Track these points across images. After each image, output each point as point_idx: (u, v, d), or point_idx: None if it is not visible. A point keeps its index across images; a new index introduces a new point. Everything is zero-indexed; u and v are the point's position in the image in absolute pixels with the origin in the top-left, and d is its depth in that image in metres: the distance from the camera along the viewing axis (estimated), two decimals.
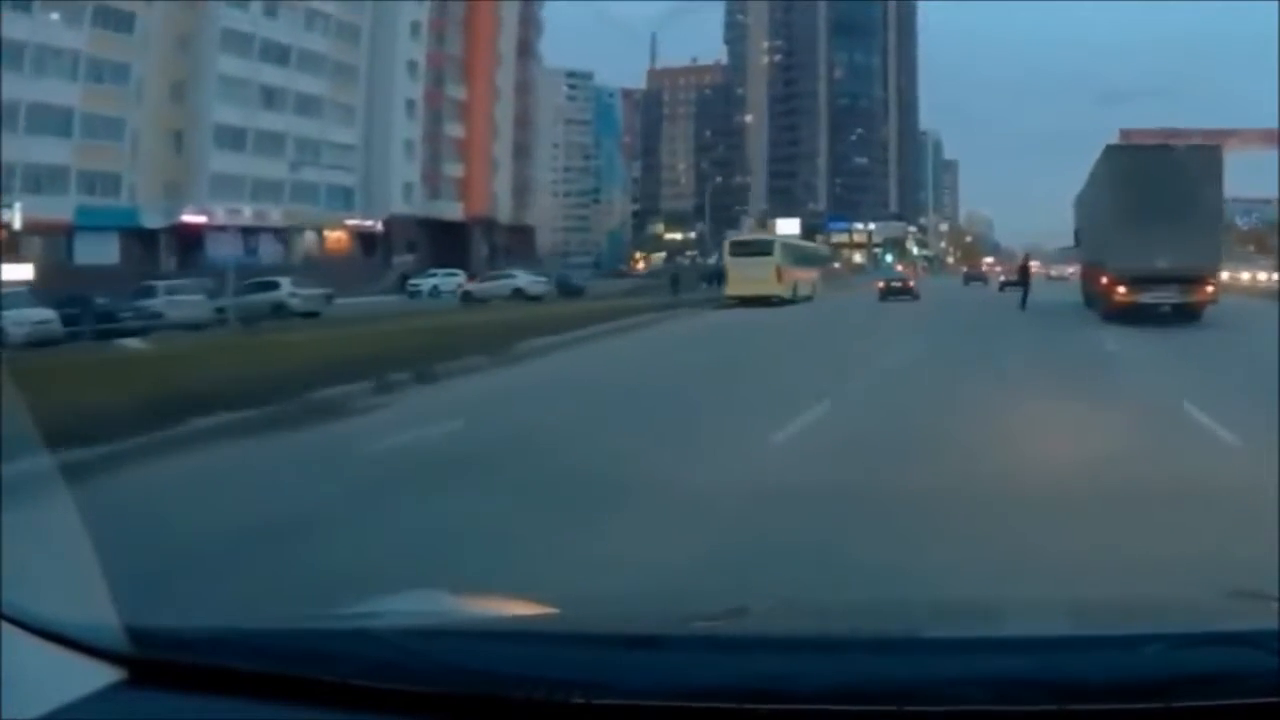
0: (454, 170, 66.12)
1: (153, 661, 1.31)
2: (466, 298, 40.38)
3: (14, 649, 1.26)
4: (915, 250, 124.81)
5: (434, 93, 63.60)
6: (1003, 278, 53.34)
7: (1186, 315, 21.21)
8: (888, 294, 38.58)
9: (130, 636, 1.33)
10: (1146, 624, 1.49)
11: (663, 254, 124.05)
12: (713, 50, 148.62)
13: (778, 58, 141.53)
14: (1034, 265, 75.50)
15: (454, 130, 66.25)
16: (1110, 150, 23.43)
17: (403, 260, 57.06)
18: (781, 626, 1.69)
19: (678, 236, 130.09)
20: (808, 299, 37.18)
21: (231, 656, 1.32)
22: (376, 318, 25.65)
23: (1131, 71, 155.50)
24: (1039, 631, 1.58)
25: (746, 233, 63.51)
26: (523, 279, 42.22)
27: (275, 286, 31.61)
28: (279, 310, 29.94)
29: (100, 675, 1.29)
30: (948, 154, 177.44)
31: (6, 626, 1.28)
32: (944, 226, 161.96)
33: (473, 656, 1.31)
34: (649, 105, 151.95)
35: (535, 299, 38.03)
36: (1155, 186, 21.11)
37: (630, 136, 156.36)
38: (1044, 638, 1.47)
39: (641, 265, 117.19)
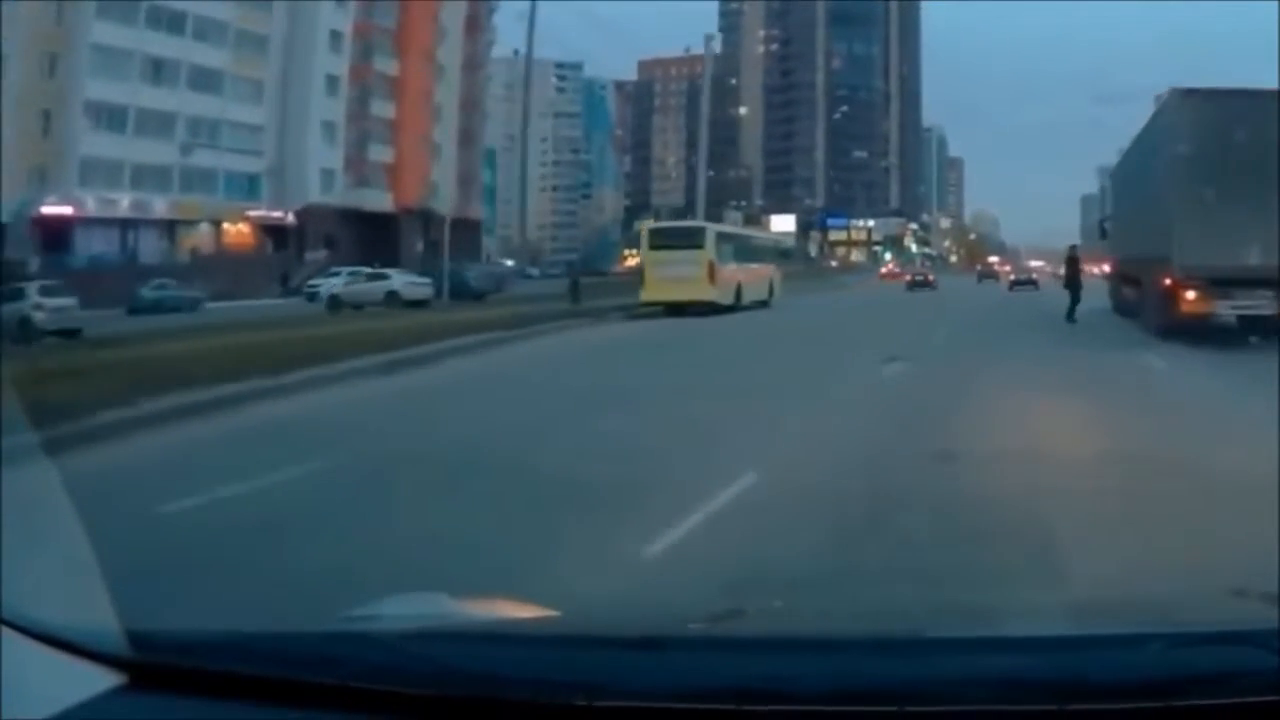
0: (383, 155, 57.04)
1: (153, 665, 1.30)
2: (334, 303, 32.63)
3: (14, 653, 1.26)
4: (914, 248, 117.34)
5: (361, 67, 54.92)
6: (1012, 277, 55.29)
7: (1267, 329, 14.63)
8: (914, 286, 48.98)
9: (130, 641, 1.32)
10: (1147, 623, 1.48)
11: None
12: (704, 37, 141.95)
13: (774, 47, 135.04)
14: (1039, 264, 74.01)
15: (384, 110, 57.29)
16: (1179, 97, 15.53)
17: (315, 257, 48.84)
18: (781, 627, 1.67)
19: None
20: (761, 304, 29.46)
21: (231, 660, 1.31)
22: (155, 335, 18.59)
23: (1139, 70, 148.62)
24: (1039, 631, 1.55)
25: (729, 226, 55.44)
26: (397, 281, 34.28)
27: (20, 296, 23.74)
28: (25, 327, 22.04)
29: (100, 680, 1.28)
30: (953, 151, 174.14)
31: (7, 631, 1.28)
32: (945, 223, 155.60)
33: (472, 659, 1.30)
34: (640, 96, 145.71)
35: (418, 304, 29.99)
36: (1242, 149, 14.42)
37: (623, 130, 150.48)
38: (1044, 637, 1.44)
39: (632, 263, 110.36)
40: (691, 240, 27.05)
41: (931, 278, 54.15)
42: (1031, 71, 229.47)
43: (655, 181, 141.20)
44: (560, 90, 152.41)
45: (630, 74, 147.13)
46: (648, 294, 26.47)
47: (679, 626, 1.59)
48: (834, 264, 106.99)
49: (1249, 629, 1.31)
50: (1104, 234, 24.58)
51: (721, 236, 28.51)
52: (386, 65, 56.61)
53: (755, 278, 29.41)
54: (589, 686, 1.20)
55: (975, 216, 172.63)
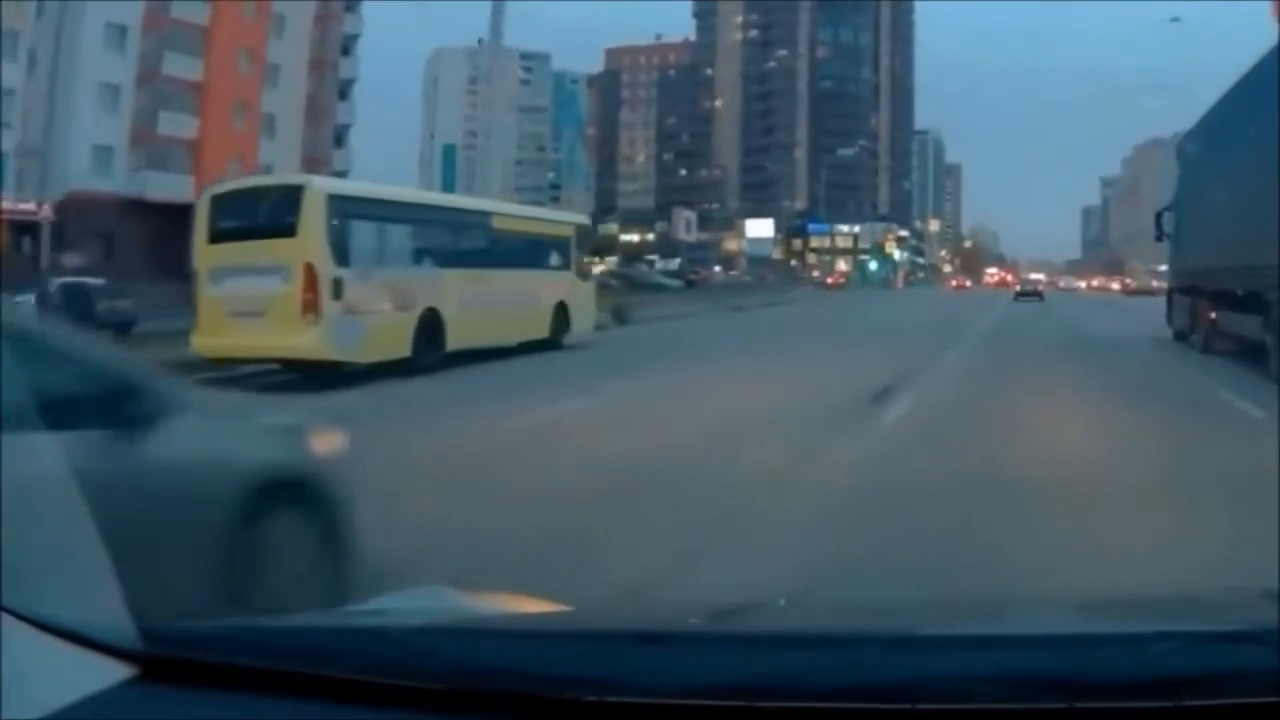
0: (185, 129, 44.41)
1: (164, 659, 1.32)
2: None
3: (25, 646, 1.28)
4: (898, 255, 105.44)
5: (157, 15, 42.30)
6: (1017, 288, 58.03)
7: None
8: (958, 290, 65.07)
9: (141, 634, 1.34)
10: (1156, 621, 1.51)
11: (614, 258, 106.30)
12: (679, 25, 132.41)
13: (753, 34, 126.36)
14: (1038, 276, 73.27)
15: (188, 70, 44.57)
16: None
17: (72, 262, 36.13)
18: (793, 624, 1.69)
19: (635, 238, 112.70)
20: (544, 344, 17.68)
21: (242, 653, 1.33)
22: None
23: (1142, 70, 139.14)
24: (1049, 629, 1.56)
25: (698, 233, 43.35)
26: None
27: None
28: None
29: (111, 672, 1.29)
30: (951, 157, 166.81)
31: (18, 624, 1.30)
32: (934, 227, 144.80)
33: (483, 653, 1.33)
34: (606, 88, 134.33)
35: None
36: None
37: (595, 126, 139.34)
38: (1054, 635, 1.46)
39: (597, 271, 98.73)
40: (277, 220, 13.25)
41: (968, 283, 79.32)
42: (1033, 78, 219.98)
43: (621, 181, 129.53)
44: (525, 83, 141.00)
45: (597, 65, 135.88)
46: (201, 338, 13.48)
47: (690, 622, 1.61)
48: (815, 274, 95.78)
49: (1258, 628, 1.31)
50: (1161, 234, 18.96)
51: (356, 207, 14.28)
52: (193, 11, 43.74)
53: (495, 299, 16.22)
54: (599, 682, 1.20)
55: (974, 230, 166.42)
